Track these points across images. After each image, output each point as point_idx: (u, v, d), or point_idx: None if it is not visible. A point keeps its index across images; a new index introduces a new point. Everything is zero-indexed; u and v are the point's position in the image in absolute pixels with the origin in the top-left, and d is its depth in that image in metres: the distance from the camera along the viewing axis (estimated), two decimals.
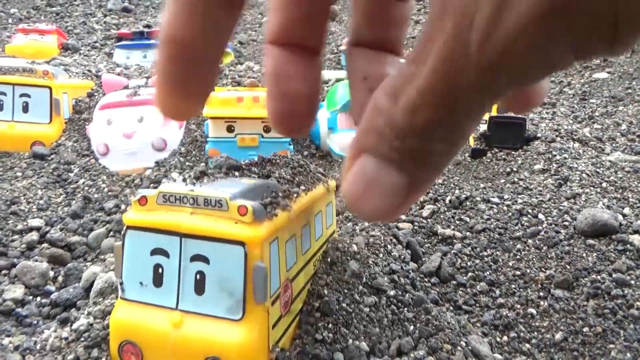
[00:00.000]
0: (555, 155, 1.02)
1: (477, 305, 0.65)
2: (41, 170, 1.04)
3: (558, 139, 1.11)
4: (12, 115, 1.14)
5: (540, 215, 0.80)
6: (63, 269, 0.75)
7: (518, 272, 0.69)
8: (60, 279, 0.73)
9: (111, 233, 0.84)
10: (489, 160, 1.04)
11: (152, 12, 2.87)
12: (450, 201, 0.87)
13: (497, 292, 0.66)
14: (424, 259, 0.72)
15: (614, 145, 1.20)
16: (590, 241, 0.72)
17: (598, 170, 0.99)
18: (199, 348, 0.44)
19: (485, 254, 0.73)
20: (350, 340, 0.50)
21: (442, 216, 0.84)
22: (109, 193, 0.98)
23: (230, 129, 1.04)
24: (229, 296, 0.44)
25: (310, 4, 0.39)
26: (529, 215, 0.81)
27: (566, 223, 0.77)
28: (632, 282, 0.63)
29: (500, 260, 0.72)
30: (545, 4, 0.24)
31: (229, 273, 0.44)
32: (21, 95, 1.14)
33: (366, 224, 0.79)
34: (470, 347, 0.52)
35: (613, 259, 0.67)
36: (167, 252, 0.46)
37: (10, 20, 2.54)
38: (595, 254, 0.69)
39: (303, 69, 0.44)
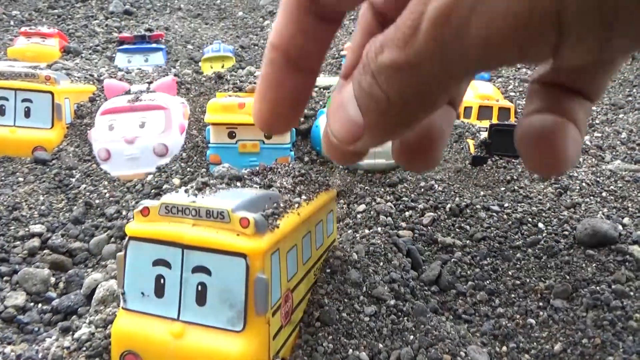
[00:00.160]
0: None
1: (477, 314, 0.65)
2: (43, 175, 1.05)
3: None
4: (14, 120, 1.14)
5: (540, 224, 0.80)
6: (64, 275, 0.75)
7: (518, 282, 0.69)
8: (61, 285, 0.74)
9: (112, 239, 0.85)
10: (489, 168, 1.04)
11: (153, 15, 2.87)
12: (450, 209, 0.87)
13: (497, 301, 0.66)
14: (424, 267, 0.72)
15: (614, 153, 1.20)
16: (590, 251, 0.72)
17: (598, 179, 0.99)
18: (200, 359, 0.45)
19: (485, 262, 0.73)
20: (350, 350, 0.50)
21: (442, 224, 0.84)
22: (111, 199, 0.98)
23: (231, 135, 1.04)
24: (230, 307, 0.44)
25: (315, 30, 0.41)
26: (529, 224, 0.81)
27: (566, 232, 0.77)
28: (631, 293, 0.63)
29: (500, 269, 0.72)
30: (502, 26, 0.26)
31: (230, 284, 0.44)
32: (23, 101, 1.14)
33: (366, 231, 0.80)
34: (469, 358, 0.52)
35: (612, 270, 0.67)
36: (169, 263, 0.46)
37: (12, 23, 2.54)
38: (594, 265, 0.69)
39: (296, 81, 0.45)
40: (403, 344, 0.52)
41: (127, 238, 0.47)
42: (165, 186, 0.99)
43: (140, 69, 1.71)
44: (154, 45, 2.16)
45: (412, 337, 0.53)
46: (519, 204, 0.88)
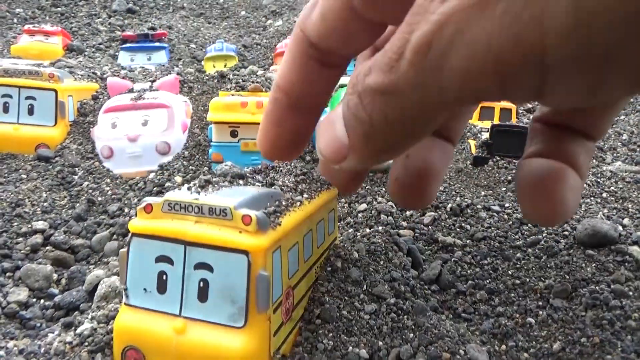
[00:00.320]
0: None
1: (477, 313, 0.65)
2: (46, 172, 1.05)
3: None
4: (18, 117, 1.14)
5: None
6: (67, 272, 0.76)
7: (517, 281, 0.69)
8: (63, 281, 0.74)
9: (114, 236, 0.85)
10: (490, 168, 1.05)
11: (156, 14, 2.87)
12: (451, 208, 0.87)
13: (497, 300, 0.67)
14: (424, 266, 0.73)
15: (615, 155, 1.21)
16: (590, 251, 0.72)
17: (598, 180, 1.00)
18: (202, 354, 0.45)
19: (486, 262, 0.74)
20: (350, 348, 0.51)
21: (443, 223, 0.84)
22: (113, 196, 0.98)
23: (233, 134, 1.05)
24: (231, 304, 0.45)
25: (318, 76, 0.41)
26: (529, 225, 0.82)
27: (566, 233, 0.78)
28: (630, 293, 0.63)
29: (500, 268, 0.72)
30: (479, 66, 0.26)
31: (232, 281, 0.45)
32: (27, 98, 1.15)
33: (367, 230, 0.80)
34: (469, 356, 0.52)
35: (612, 270, 0.68)
36: (171, 260, 0.46)
37: (15, 20, 2.55)
38: (594, 265, 0.69)
39: (297, 121, 0.47)
40: (403, 341, 0.53)
41: (130, 234, 0.48)
42: (167, 184, 1.00)
43: (143, 68, 1.71)
44: (157, 43, 2.17)
45: (411, 335, 0.54)
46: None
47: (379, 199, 0.91)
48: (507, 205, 0.88)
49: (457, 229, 0.83)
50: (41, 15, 2.67)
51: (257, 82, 1.21)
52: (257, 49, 2.45)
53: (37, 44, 2.01)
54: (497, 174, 1.03)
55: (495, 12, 0.24)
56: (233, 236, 0.45)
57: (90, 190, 1.00)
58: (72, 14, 2.70)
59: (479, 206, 0.87)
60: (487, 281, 0.70)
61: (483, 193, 0.96)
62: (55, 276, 0.74)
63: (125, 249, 0.48)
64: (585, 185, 0.97)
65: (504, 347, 0.59)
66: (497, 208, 0.87)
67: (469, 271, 0.73)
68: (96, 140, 1.13)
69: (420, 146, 0.50)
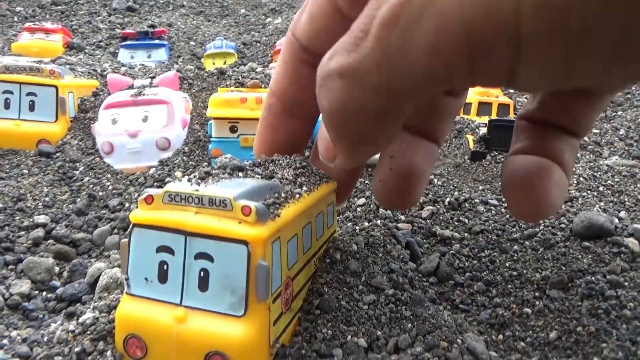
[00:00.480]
0: None
1: (474, 304, 0.66)
2: (47, 167, 1.06)
3: None
4: (19, 113, 1.15)
5: None
6: (68, 264, 0.76)
7: (515, 273, 0.70)
8: (65, 274, 0.75)
9: (115, 230, 0.86)
10: (488, 163, 1.05)
11: (156, 12, 2.88)
12: (449, 203, 0.88)
13: (494, 291, 0.67)
14: (422, 259, 0.73)
15: (612, 149, 1.22)
16: (586, 243, 0.73)
17: (595, 174, 1.00)
18: (202, 342, 0.45)
19: (483, 254, 0.74)
20: (349, 337, 0.51)
21: (441, 217, 0.85)
22: (113, 191, 0.99)
23: (233, 130, 1.05)
24: (231, 293, 0.45)
25: (311, 81, 0.41)
26: None
27: (563, 225, 0.78)
28: (626, 283, 0.64)
29: (498, 261, 0.73)
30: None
31: (232, 271, 0.45)
32: (28, 94, 1.15)
33: (366, 224, 0.81)
34: (466, 345, 0.53)
35: (608, 261, 0.68)
36: (172, 250, 0.47)
37: (15, 19, 2.55)
38: (590, 256, 0.70)
39: (292, 126, 0.46)
40: (401, 331, 0.53)
41: (131, 225, 0.48)
42: (167, 179, 1.01)
43: (143, 65, 1.72)
44: (157, 41, 2.17)
45: (410, 325, 0.54)
46: None
47: None
48: (504, 199, 0.89)
49: (455, 223, 0.83)
50: (41, 14, 2.67)
51: (256, 79, 1.22)
52: (257, 47, 2.45)
53: (37, 41, 2.01)
54: (494, 169, 1.04)
55: None
56: (233, 227, 0.45)
57: (91, 185, 1.01)
58: (73, 12, 2.71)
59: (476, 200, 0.88)
60: (485, 273, 0.71)
61: (481, 187, 0.97)
62: (57, 269, 0.75)
63: (126, 239, 0.49)
64: (582, 179, 0.97)
65: (501, 336, 0.60)
66: (494, 202, 0.88)
67: (466, 263, 0.73)
68: (97, 136, 1.13)
69: (405, 147, 0.50)
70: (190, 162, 1.08)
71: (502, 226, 0.81)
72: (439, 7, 0.23)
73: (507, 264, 0.72)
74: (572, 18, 0.21)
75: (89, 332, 0.52)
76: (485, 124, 1.12)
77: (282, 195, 0.50)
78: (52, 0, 2.81)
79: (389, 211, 0.85)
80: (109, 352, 0.49)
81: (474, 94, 1.41)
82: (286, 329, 0.51)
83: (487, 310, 0.64)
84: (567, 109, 0.44)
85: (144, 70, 1.56)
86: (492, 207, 0.86)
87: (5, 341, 0.54)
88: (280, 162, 0.61)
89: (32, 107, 1.16)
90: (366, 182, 0.97)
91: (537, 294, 0.66)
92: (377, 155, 1.06)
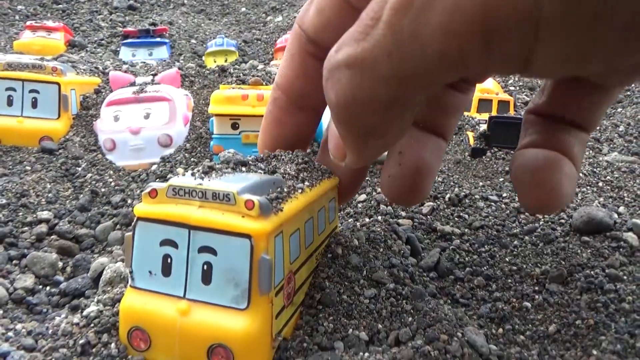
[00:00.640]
0: None
1: (474, 298, 0.67)
2: (50, 164, 1.06)
3: None
4: (22, 110, 1.16)
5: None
6: (71, 260, 0.77)
7: (514, 268, 0.70)
8: (68, 269, 0.75)
9: (118, 226, 0.86)
10: (488, 159, 1.06)
11: (157, 10, 2.88)
12: (449, 199, 0.89)
13: (494, 286, 0.68)
14: (423, 254, 0.74)
15: (611, 146, 1.22)
16: (585, 238, 0.73)
17: (595, 170, 1.01)
18: (205, 335, 0.46)
19: (483, 249, 0.75)
20: (350, 330, 0.52)
21: (441, 213, 0.85)
22: (116, 187, 1.00)
23: (234, 126, 1.06)
24: (234, 286, 0.46)
25: (317, 74, 0.40)
26: (526, 213, 0.83)
27: (562, 221, 0.79)
28: (625, 277, 0.65)
29: (497, 255, 0.73)
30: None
31: (235, 264, 0.45)
32: (30, 91, 1.16)
33: (367, 219, 0.81)
34: (466, 338, 0.53)
35: (607, 255, 0.69)
36: (176, 243, 0.47)
37: (17, 17, 2.56)
38: (589, 251, 0.71)
39: (298, 120, 0.46)
40: (402, 325, 0.54)
41: (135, 218, 0.49)
42: (169, 176, 1.01)
43: (144, 63, 1.72)
44: (158, 39, 2.17)
45: (410, 318, 0.54)
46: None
47: (378, 189, 0.92)
48: (504, 195, 0.90)
49: (456, 218, 0.84)
50: (43, 12, 2.68)
51: (257, 76, 1.22)
52: (258, 44, 2.45)
53: (39, 39, 2.02)
54: (494, 165, 1.04)
55: None
56: (236, 220, 0.45)
57: (94, 182, 1.01)
58: (74, 11, 2.71)
59: (477, 196, 0.89)
60: (485, 268, 0.71)
61: (481, 183, 0.97)
62: (60, 264, 0.76)
63: (130, 233, 0.49)
64: (581, 174, 0.98)
65: (500, 330, 0.61)
66: (494, 198, 0.88)
67: (466, 258, 0.74)
68: (99, 133, 1.14)
69: (413, 142, 0.50)
70: (192, 159, 1.08)
71: (502, 221, 0.81)
72: None
73: (507, 259, 0.73)
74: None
75: (93, 324, 0.52)
76: (486, 120, 1.13)
77: (285, 190, 0.51)
78: None
79: (389, 207, 0.85)
80: (113, 344, 0.50)
81: (475, 91, 1.41)
82: (288, 323, 0.51)
83: (487, 305, 0.65)
84: (575, 103, 0.44)
85: (146, 68, 1.57)
86: (492, 203, 0.87)
87: (10, 334, 0.55)
88: (283, 157, 0.62)
89: (34, 104, 1.16)
90: (367, 178, 0.98)
91: (536, 288, 0.66)
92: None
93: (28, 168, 1.05)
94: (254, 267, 0.45)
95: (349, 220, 0.82)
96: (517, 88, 1.74)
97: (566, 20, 0.21)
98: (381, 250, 0.65)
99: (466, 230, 0.80)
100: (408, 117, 0.31)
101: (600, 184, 0.95)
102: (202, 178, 0.49)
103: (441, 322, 0.54)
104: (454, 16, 0.23)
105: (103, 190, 0.98)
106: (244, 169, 0.55)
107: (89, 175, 1.03)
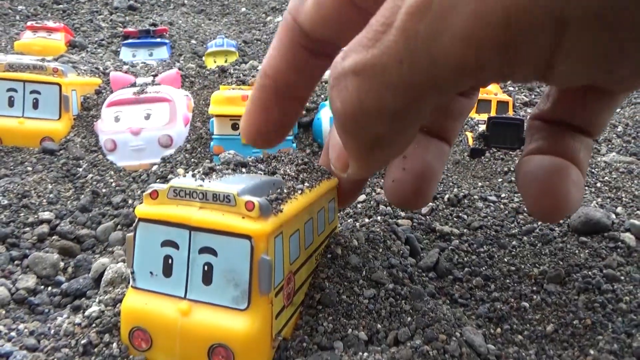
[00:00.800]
0: None
1: (473, 298, 0.67)
2: (51, 165, 1.07)
3: None
4: (23, 111, 1.16)
5: None
6: (73, 260, 0.77)
7: (513, 268, 0.71)
8: (70, 270, 0.76)
9: (119, 227, 0.87)
10: (487, 160, 1.06)
11: (157, 11, 2.88)
12: (448, 199, 0.89)
13: (492, 286, 0.68)
14: (422, 254, 0.74)
15: (609, 146, 1.22)
16: (583, 238, 0.74)
17: (593, 170, 1.01)
18: (206, 335, 0.46)
19: (482, 250, 0.75)
20: (350, 330, 0.52)
21: (440, 213, 0.86)
22: (117, 188, 1.00)
23: (235, 127, 1.06)
24: (235, 287, 0.46)
25: (307, 65, 0.40)
26: (525, 213, 0.83)
27: (560, 221, 0.79)
28: (622, 277, 0.65)
29: (496, 256, 0.74)
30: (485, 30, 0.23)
31: (235, 265, 0.46)
32: (31, 92, 1.16)
33: (366, 220, 0.82)
34: (464, 338, 0.54)
35: (604, 256, 0.69)
36: (176, 244, 0.48)
37: (17, 17, 2.56)
38: (587, 251, 0.71)
39: (283, 108, 0.46)
40: (401, 324, 0.54)
41: (136, 219, 0.49)
42: (170, 176, 1.01)
43: (144, 63, 1.73)
44: (158, 39, 2.17)
45: (409, 318, 0.55)
46: (516, 194, 0.90)
47: (378, 190, 0.92)
48: (503, 195, 0.90)
49: (455, 219, 0.84)
50: (43, 12, 2.68)
51: None
52: (258, 45, 2.46)
53: (40, 40, 2.02)
54: (493, 165, 1.04)
55: None
56: (236, 221, 0.46)
57: (95, 182, 1.02)
58: (74, 11, 2.71)
59: (475, 196, 0.89)
60: (483, 268, 0.72)
61: (480, 184, 0.98)
62: (61, 264, 0.76)
63: (132, 234, 0.49)
64: None
65: (499, 329, 0.61)
66: (493, 198, 0.89)
67: (465, 259, 0.74)
68: (100, 134, 1.14)
69: (417, 147, 0.50)
70: (193, 160, 1.09)
71: (501, 222, 0.82)
72: None
73: (505, 259, 0.73)
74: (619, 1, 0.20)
75: (95, 324, 0.53)
76: (484, 121, 1.13)
77: (285, 191, 0.51)
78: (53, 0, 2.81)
79: (389, 207, 0.85)
80: (114, 344, 0.50)
81: None
82: (288, 323, 0.51)
83: (486, 304, 0.65)
84: (581, 109, 0.44)
85: (146, 69, 1.57)
86: (491, 204, 0.87)
87: (13, 334, 0.55)
88: (283, 158, 0.62)
89: (35, 105, 1.17)
90: None
91: (534, 288, 0.67)
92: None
93: (29, 169, 1.05)
94: (254, 267, 0.45)
95: (349, 221, 0.83)
96: (516, 88, 1.74)
97: (598, 19, 0.21)
98: (380, 250, 0.66)
99: (465, 230, 0.80)
100: (416, 126, 0.30)
101: (599, 184, 0.95)
102: (202, 179, 0.49)
103: (440, 322, 0.54)
104: (475, 23, 0.22)
105: (104, 190, 0.99)
106: (244, 170, 0.55)
107: (90, 175, 1.04)
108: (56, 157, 1.11)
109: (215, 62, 2.04)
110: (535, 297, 0.65)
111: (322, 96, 1.27)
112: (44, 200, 0.93)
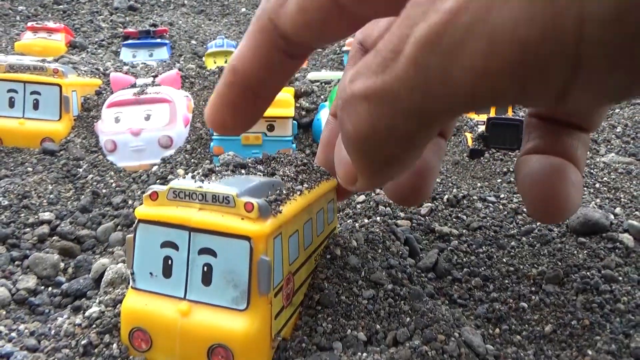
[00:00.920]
0: None
1: (472, 299, 0.67)
2: (51, 165, 1.07)
3: None
4: (23, 112, 1.16)
5: None
6: (73, 261, 0.77)
7: (511, 268, 0.71)
8: (70, 270, 0.76)
9: (119, 227, 0.87)
10: (486, 161, 1.06)
11: (157, 11, 2.89)
12: (447, 200, 0.89)
13: (491, 287, 0.68)
14: (421, 255, 0.74)
15: (608, 147, 1.23)
16: (582, 239, 0.74)
17: (592, 171, 1.02)
18: (205, 335, 0.47)
19: (481, 250, 0.75)
20: (349, 331, 0.52)
21: (439, 214, 0.86)
22: (117, 188, 1.00)
23: None
24: (234, 287, 0.46)
25: (281, 66, 0.40)
26: (524, 214, 0.83)
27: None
28: (620, 278, 0.65)
29: (495, 256, 0.74)
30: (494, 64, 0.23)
31: (235, 266, 0.46)
32: (32, 93, 1.16)
33: (365, 220, 0.82)
34: (463, 338, 0.54)
35: (603, 256, 0.70)
36: (176, 245, 0.48)
37: (18, 18, 2.56)
38: (585, 252, 0.71)
39: (251, 106, 0.46)
40: (400, 325, 0.54)
41: (136, 220, 0.49)
42: (170, 177, 1.02)
43: (145, 64, 1.73)
44: (159, 40, 2.18)
45: (408, 319, 0.55)
46: (515, 195, 0.91)
47: (377, 190, 0.92)
48: (502, 196, 0.90)
49: (454, 219, 0.84)
50: (43, 13, 2.68)
51: None
52: None
53: (40, 40, 2.03)
54: (493, 166, 1.05)
55: None
56: (235, 222, 0.46)
57: (95, 183, 1.02)
58: (74, 12, 2.72)
59: (475, 197, 0.89)
60: (482, 268, 0.72)
61: (479, 184, 0.98)
62: (62, 265, 0.76)
63: (131, 235, 0.50)
64: None
65: (497, 330, 0.61)
66: (492, 199, 0.89)
67: (464, 259, 0.74)
68: (100, 134, 1.15)
69: None
70: (192, 160, 1.09)
71: (500, 222, 0.82)
72: (490, 28, 0.21)
73: (504, 260, 0.73)
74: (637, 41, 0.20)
75: (95, 325, 0.53)
76: (484, 121, 1.13)
77: (284, 192, 0.51)
78: (54, 0, 2.81)
79: (388, 208, 0.86)
80: (114, 345, 0.50)
81: None
82: (287, 323, 0.52)
83: (484, 305, 0.65)
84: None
85: (146, 69, 1.57)
86: (490, 204, 0.87)
87: (13, 334, 0.55)
88: (282, 159, 0.62)
89: (36, 106, 1.17)
90: None
91: (533, 288, 0.67)
92: None
93: (29, 169, 1.06)
94: (253, 268, 0.45)
95: (348, 221, 0.83)
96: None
97: (612, 57, 0.20)
98: (380, 251, 0.66)
99: (464, 231, 0.80)
100: (427, 144, 0.30)
101: (597, 185, 0.95)
102: (202, 181, 0.49)
103: (438, 323, 0.54)
104: (488, 59, 0.22)
105: (104, 191, 0.99)
106: (243, 171, 0.55)
107: (90, 176, 1.04)
108: (56, 157, 1.11)
109: (215, 62, 2.04)
110: (533, 297, 0.65)
111: (322, 97, 1.28)
112: (44, 201, 0.93)
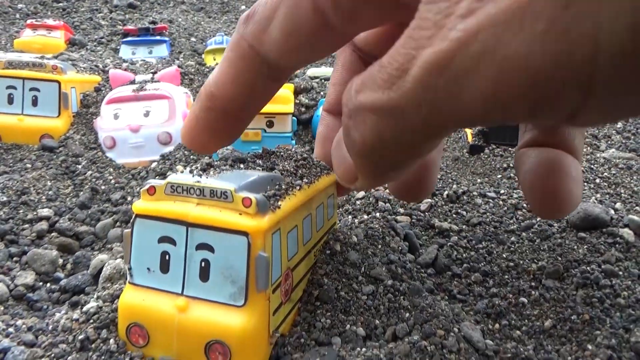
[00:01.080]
0: None
1: (471, 294, 0.67)
2: (50, 162, 1.07)
3: None
4: (22, 108, 1.16)
5: None
6: (72, 257, 0.77)
7: (511, 264, 0.71)
8: (69, 266, 0.76)
9: (117, 223, 0.87)
10: (486, 156, 1.06)
11: (157, 9, 2.88)
12: (447, 195, 0.89)
13: (491, 282, 0.68)
14: (421, 250, 0.74)
15: (609, 142, 1.22)
16: (582, 234, 0.74)
17: (592, 166, 1.01)
18: (203, 331, 0.46)
19: (481, 246, 0.75)
20: (348, 326, 0.52)
21: (439, 210, 0.86)
22: (116, 185, 1.00)
23: None
24: (232, 283, 0.46)
25: (262, 90, 0.39)
26: (524, 210, 0.83)
27: None
28: (620, 272, 0.65)
29: (495, 252, 0.74)
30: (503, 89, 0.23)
31: (232, 261, 0.46)
32: (31, 89, 1.16)
33: (365, 216, 0.82)
34: (462, 334, 0.54)
35: (603, 251, 0.69)
36: (174, 240, 0.48)
37: (17, 15, 2.56)
38: (585, 246, 0.71)
39: (229, 128, 0.45)
40: (399, 320, 0.54)
41: (133, 215, 0.49)
42: (169, 173, 1.01)
43: (144, 61, 1.73)
44: (158, 37, 2.17)
45: (407, 314, 0.55)
46: (515, 191, 0.90)
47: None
48: (502, 191, 0.90)
49: (454, 215, 0.84)
50: (43, 10, 2.68)
51: None
52: None
53: (39, 38, 2.02)
54: (492, 162, 1.04)
55: (535, 29, 0.20)
56: (233, 218, 0.46)
57: (94, 179, 1.02)
58: (74, 9, 2.72)
59: (474, 193, 0.89)
60: (482, 264, 0.72)
61: (479, 180, 0.98)
62: (60, 261, 0.76)
63: (129, 230, 0.49)
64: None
65: (497, 325, 0.61)
66: (492, 194, 0.89)
67: (464, 255, 0.74)
68: (99, 131, 1.14)
69: None
70: (192, 156, 1.09)
71: (500, 218, 0.81)
72: (502, 56, 0.21)
73: (504, 255, 0.73)
74: None
75: (92, 320, 0.53)
76: None
77: (283, 187, 0.51)
78: None
79: (388, 204, 0.85)
80: (112, 340, 0.50)
81: None
82: (286, 319, 0.51)
83: (484, 300, 0.65)
84: None
85: (146, 66, 1.57)
86: (490, 200, 0.87)
87: (11, 330, 0.55)
88: (282, 154, 0.62)
89: (35, 102, 1.17)
90: None
91: (533, 283, 0.67)
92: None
93: (28, 166, 1.05)
94: (251, 264, 0.45)
95: (348, 217, 0.82)
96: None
97: (623, 86, 0.20)
98: (379, 246, 0.66)
99: (464, 226, 0.80)
100: (432, 151, 0.31)
101: (598, 180, 0.95)
102: (200, 175, 0.49)
103: (438, 318, 0.54)
104: (498, 85, 0.22)
105: (103, 187, 0.99)
106: (242, 166, 0.55)
107: (89, 172, 1.04)
108: (55, 154, 1.11)
109: (214, 59, 2.03)
110: (533, 292, 0.65)
111: (322, 93, 1.27)
112: (43, 197, 0.93)
